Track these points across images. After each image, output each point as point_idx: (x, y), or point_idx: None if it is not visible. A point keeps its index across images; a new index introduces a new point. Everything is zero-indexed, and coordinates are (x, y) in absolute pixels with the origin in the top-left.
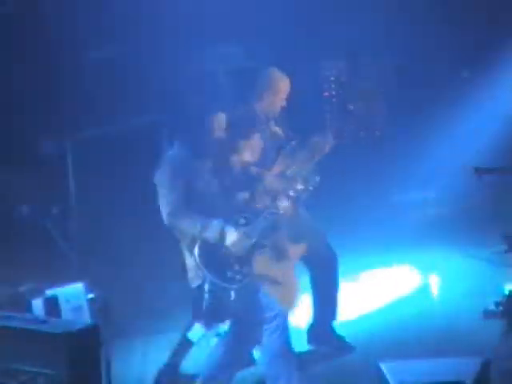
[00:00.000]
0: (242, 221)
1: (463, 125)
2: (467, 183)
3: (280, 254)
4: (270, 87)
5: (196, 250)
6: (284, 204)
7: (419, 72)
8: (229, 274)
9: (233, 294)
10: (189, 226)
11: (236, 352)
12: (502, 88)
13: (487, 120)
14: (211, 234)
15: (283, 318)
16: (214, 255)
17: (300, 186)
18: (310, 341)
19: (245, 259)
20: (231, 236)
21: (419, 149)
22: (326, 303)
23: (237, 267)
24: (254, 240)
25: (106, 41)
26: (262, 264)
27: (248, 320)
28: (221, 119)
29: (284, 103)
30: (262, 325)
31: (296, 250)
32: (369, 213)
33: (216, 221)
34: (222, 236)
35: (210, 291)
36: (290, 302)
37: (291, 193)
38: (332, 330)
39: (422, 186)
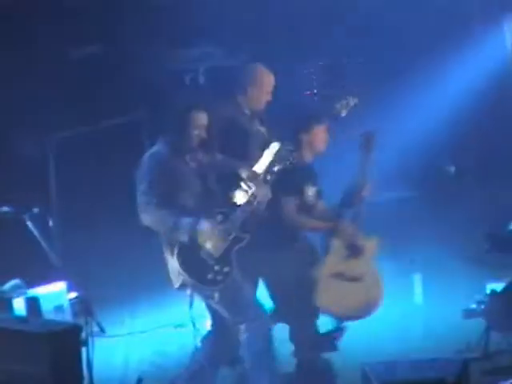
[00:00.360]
0: (220, 217)
1: (444, 122)
2: (449, 183)
3: (355, 251)
4: (255, 81)
5: (175, 254)
6: (262, 192)
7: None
8: (209, 276)
9: (216, 295)
10: (160, 224)
11: (219, 351)
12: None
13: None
14: (182, 234)
15: (266, 317)
16: (193, 258)
17: (277, 167)
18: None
19: (224, 258)
20: (205, 235)
21: (402, 148)
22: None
23: (217, 268)
24: (233, 235)
25: (87, 40)
26: (337, 262)
27: (230, 319)
28: (202, 116)
29: (269, 98)
30: (244, 323)
31: (370, 245)
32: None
33: (187, 219)
34: (194, 236)
35: (192, 294)
36: (373, 300)
37: (268, 177)
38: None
39: (405, 185)
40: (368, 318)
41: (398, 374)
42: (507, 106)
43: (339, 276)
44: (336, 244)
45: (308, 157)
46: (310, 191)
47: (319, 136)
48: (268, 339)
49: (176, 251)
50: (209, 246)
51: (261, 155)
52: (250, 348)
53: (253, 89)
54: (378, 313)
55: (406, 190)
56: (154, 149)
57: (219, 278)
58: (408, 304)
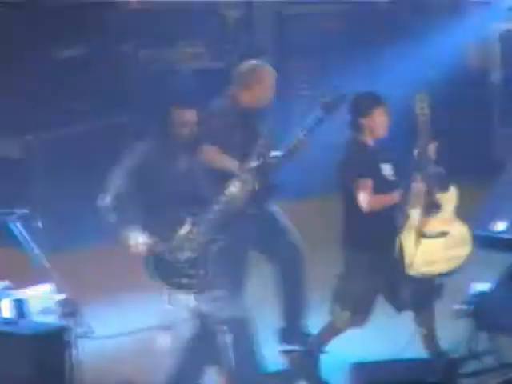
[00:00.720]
0: (190, 219)
1: None
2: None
3: (434, 207)
4: (261, 78)
5: (151, 260)
6: (234, 190)
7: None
8: (184, 281)
9: (193, 297)
10: (113, 223)
11: (202, 352)
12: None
13: None
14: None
15: (251, 318)
16: (167, 263)
17: (253, 164)
18: (281, 341)
19: (199, 261)
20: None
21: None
22: (296, 301)
23: (191, 272)
24: (206, 238)
25: (71, 40)
26: (420, 224)
27: (211, 319)
28: (188, 112)
29: (272, 95)
30: (227, 324)
31: (448, 198)
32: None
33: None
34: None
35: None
36: (463, 251)
37: (244, 175)
38: (303, 329)
39: None
40: None
41: (385, 374)
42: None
43: (425, 236)
44: (413, 206)
45: (369, 140)
46: (385, 169)
47: (379, 119)
48: (253, 340)
49: (152, 257)
50: (181, 250)
51: (256, 154)
52: (234, 349)
53: (259, 86)
54: None
55: None
56: (137, 149)
57: (194, 281)
58: None
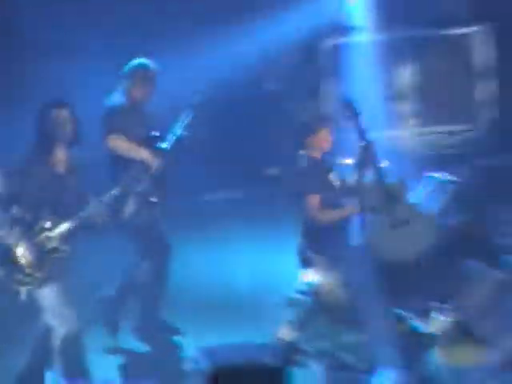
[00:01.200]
0: (48, 224)
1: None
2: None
3: (390, 198)
4: (148, 75)
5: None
6: (96, 209)
7: None
8: (19, 276)
9: (23, 294)
10: None
11: (42, 351)
12: None
13: None
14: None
15: (78, 324)
16: (9, 254)
17: (115, 191)
18: (139, 333)
19: (39, 264)
20: (22, 249)
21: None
22: (161, 294)
23: (28, 271)
24: (50, 245)
25: None
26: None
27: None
28: (60, 112)
29: (152, 91)
30: (56, 329)
31: (399, 187)
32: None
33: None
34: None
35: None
36: (425, 238)
37: (108, 198)
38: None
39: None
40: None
41: (229, 356)
42: None
43: (387, 226)
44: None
45: (317, 155)
46: (335, 177)
47: (323, 137)
48: (79, 347)
49: None
50: (21, 249)
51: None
52: (60, 354)
53: (149, 83)
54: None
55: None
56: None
57: (27, 280)
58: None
